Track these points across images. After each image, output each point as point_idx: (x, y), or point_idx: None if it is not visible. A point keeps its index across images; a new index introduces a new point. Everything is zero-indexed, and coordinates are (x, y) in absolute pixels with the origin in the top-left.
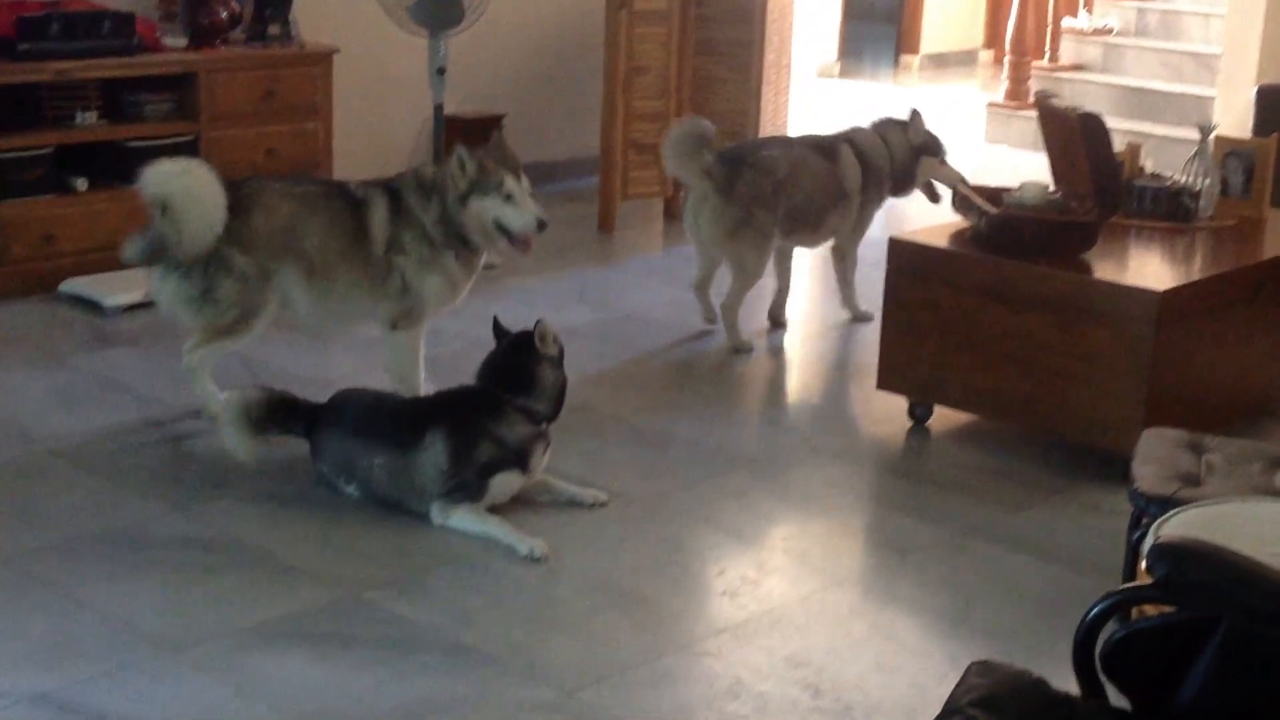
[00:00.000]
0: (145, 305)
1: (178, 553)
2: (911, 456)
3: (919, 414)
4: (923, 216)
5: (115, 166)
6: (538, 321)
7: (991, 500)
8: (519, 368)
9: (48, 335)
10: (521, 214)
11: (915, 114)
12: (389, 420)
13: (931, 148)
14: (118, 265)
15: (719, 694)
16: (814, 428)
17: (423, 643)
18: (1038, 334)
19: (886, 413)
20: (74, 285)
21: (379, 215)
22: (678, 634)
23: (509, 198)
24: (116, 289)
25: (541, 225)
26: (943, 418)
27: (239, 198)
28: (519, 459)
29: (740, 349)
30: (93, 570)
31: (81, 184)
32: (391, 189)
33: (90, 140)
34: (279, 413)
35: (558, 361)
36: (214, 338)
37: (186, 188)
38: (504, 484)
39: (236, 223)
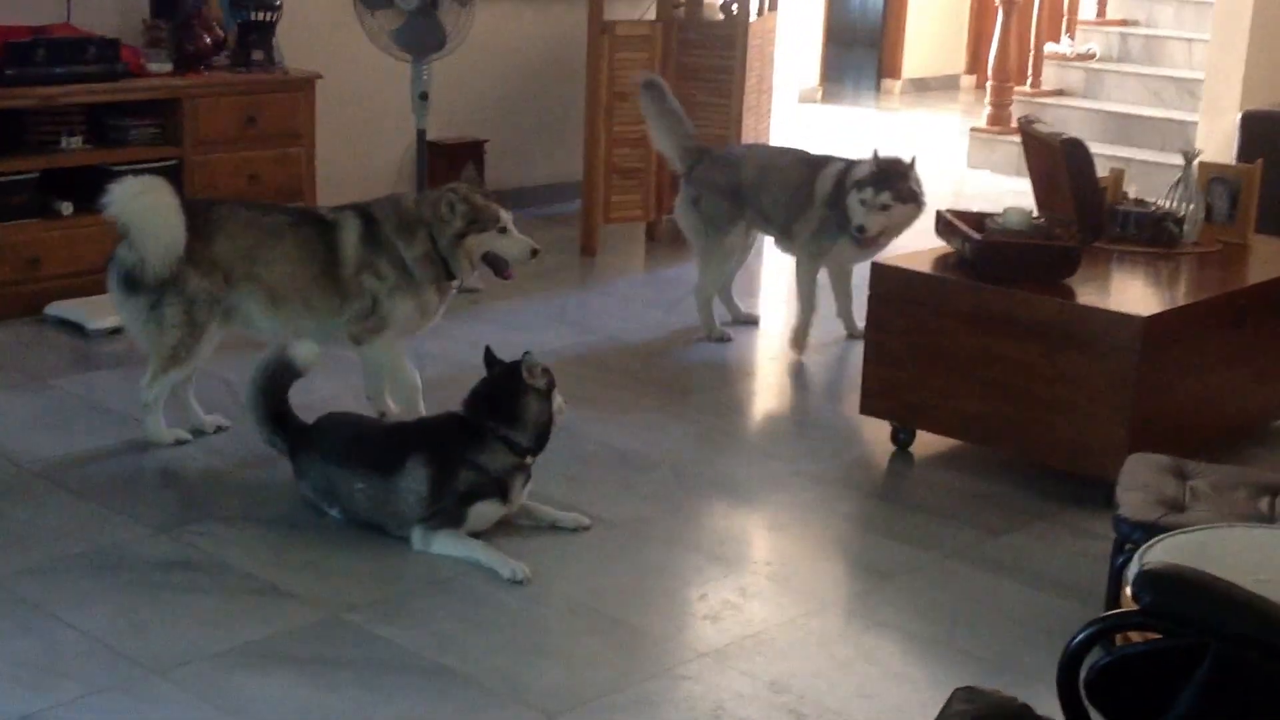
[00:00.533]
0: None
1: (162, 574)
2: (894, 481)
3: (902, 439)
4: (906, 243)
5: (100, 191)
6: (525, 353)
7: (975, 525)
8: (504, 398)
9: (32, 357)
10: (516, 244)
11: (874, 153)
12: (371, 445)
13: (861, 182)
14: (102, 289)
15: (701, 718)
16: (796, 452)
17: (405, 665)
18: (1021, 359)
19: (869, 437)
20: (59, 308)
21: (350, 239)
22: (659, 658)
23: (503, 230)
24: (101, 312)
25: (534, 253)
26: (926, 442)
27: (207, 220)
28: (499, 489)
29: (710, 336)
30: (77, 592)
31: (66, 208)
32: (365, 213)
33: (75, 165)
34: (281, 400)
35: (544, 394)
36: (166, 366)
37: (145, 209)
38: (483, 513)
39: (199, 245)
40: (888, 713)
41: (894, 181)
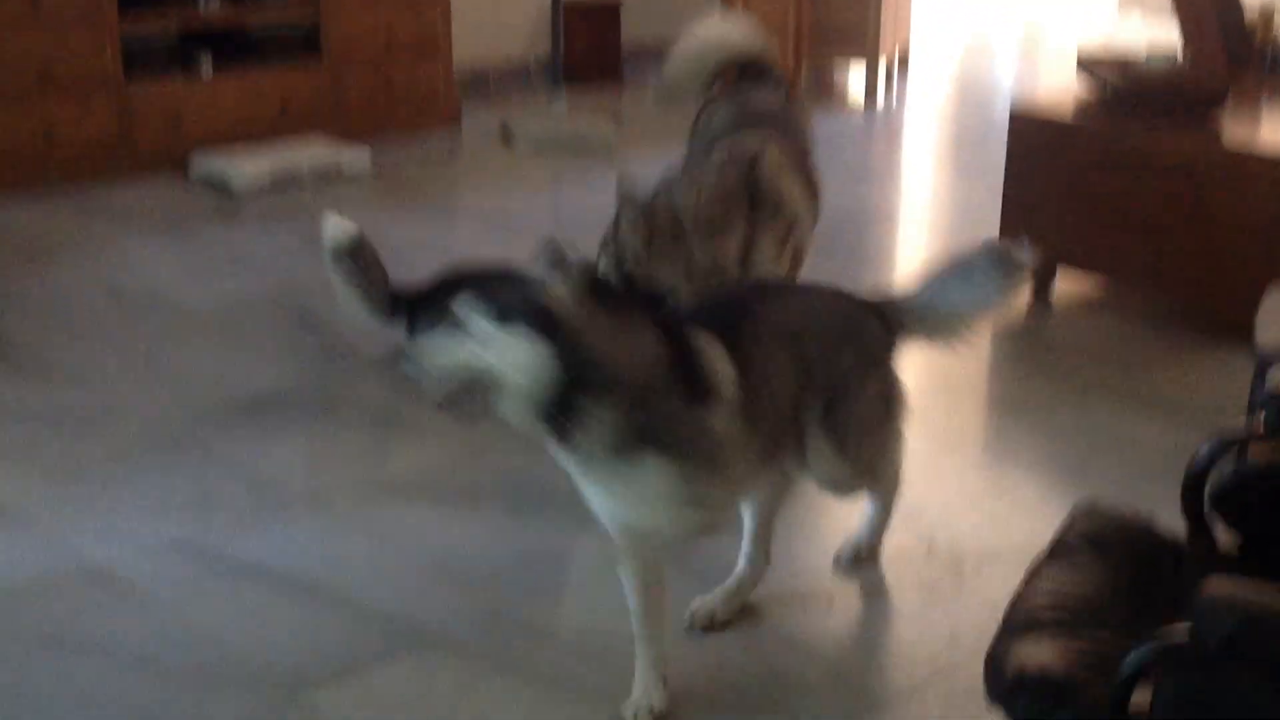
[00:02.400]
0: (268, 185)
1: (311, 413)
2: (1033, 322)
3: (1041, 281)
4: (1047, 81)
5: (238, 51)
6: None
7: (1114, 361)
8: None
9: (177, 211)
10: None
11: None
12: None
13: None
14: (242, 145)
15: (834, 545)
16: None
17: (545, 497)
18: (1163, 200)
19: None
20: (202, 164)
21: None
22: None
23: None
24: (241, 168)
25: None
26: (1066, 285)
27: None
28: None
29: None
30: (231, 430)
31: (206, 67)
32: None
33: (214, 24)
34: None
35: None
36: None
37: None
38: None
39: None
40: (1018, 538)
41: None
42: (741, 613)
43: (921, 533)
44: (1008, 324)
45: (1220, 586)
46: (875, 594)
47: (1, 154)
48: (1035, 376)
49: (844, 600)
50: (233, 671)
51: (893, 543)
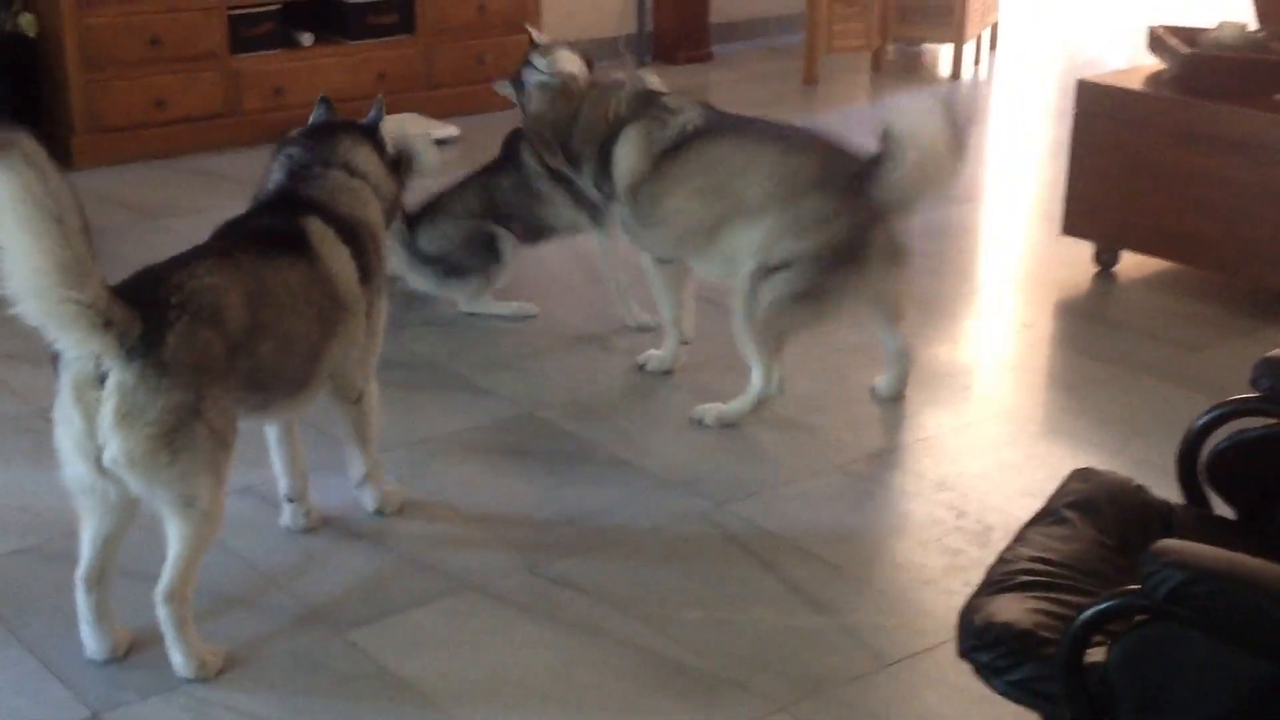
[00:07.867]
0: None
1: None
2: (1094, 300)
3: (1105, 259)
4: (1113, 59)
5: (337, 23)
6: None
7: (1170, 341)
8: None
9: None
10: None
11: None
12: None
13: None
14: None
15: (864, 511)
16: (994, 271)
17: (587, 457)
18: (1230, 177)
19: (1071, 258)
20: None
21: None
22: (829, 456)
23: None
24: None
25: None
26: (1130, 263)
27: None
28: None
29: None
30: None
31: (307, 39)
32: None
33: None
34: None
35: None
36: None
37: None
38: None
39: None
40: None
41: None
42: (764, 567)
43: (952, 502)
44: (1069, 300)
45: (1169, 544)
46: (899, 558)
47: (115, 123)
48: (1089, 354)
49: (866, 561)
50: (290, 609)
51: (923, 510)
